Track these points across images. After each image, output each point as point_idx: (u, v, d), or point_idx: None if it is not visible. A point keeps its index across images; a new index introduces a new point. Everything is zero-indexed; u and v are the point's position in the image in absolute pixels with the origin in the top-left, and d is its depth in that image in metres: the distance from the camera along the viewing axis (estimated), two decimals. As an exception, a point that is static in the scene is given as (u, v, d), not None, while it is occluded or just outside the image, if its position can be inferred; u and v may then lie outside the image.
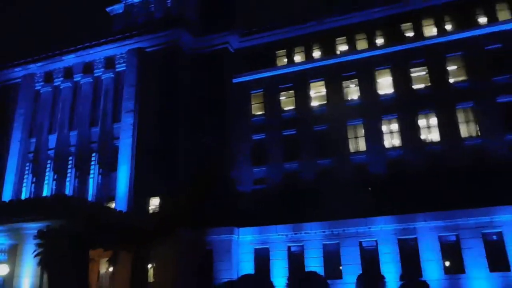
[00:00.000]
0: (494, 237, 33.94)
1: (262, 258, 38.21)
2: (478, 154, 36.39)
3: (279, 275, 36.59)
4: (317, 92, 43.06)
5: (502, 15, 39.86)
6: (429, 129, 38.98)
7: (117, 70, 46.10)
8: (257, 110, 44.45)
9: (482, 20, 40.46)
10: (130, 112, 43.28)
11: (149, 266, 37.72)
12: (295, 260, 37.40)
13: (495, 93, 37.49)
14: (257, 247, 38.76)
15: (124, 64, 45.52)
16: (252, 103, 44.51)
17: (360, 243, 36.37)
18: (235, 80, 45.29)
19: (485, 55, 38.87)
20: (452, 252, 34.18)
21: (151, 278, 38.13)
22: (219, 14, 49.73)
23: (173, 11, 50.06)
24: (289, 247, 38.12)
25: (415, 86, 40.23)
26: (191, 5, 50.44)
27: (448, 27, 41.32)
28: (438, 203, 35.13)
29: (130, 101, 43.57)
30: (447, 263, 34.00)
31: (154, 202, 40.85)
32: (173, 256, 37.95)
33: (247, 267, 37.99)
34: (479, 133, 37.43)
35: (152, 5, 51.44)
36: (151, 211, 40.31)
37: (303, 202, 38.95)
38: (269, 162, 41.87)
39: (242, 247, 39.01)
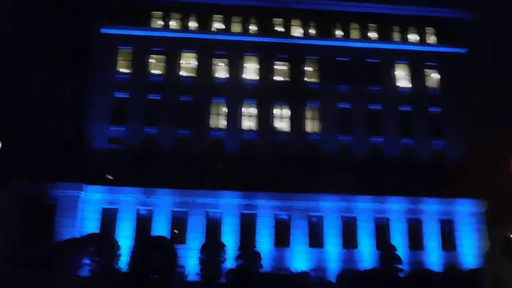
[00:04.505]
0: (314, 220, 40.71)
1: (109, 218, 37.97)
2: (316, 148, 42.63)
3: (125, 236, 37.07)
4: (188, 63, 43.79)
5: (354, 33, 46.71)
6: (282, 119, 43.75)
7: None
8: (123, 67, 42.94)
9: (339, 33, 46.68)
10: (-29, 39, 37.19)
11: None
12: (143, 223, 38.31)
13: (338, 99, 44.17)
14: (105, 206, 38.26)
15: (-32, -21, 38.50)
16: (119, 58, 42.77)
17: (207, 213, 39.31)
18: (103, 30, 42.64)
19: (335, 64, 45.14)
20: (283, 228, 39.76)
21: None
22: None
23: None
24: (138, 210, 38.76)
25: (276, 78, 44.39)
26: None
27: (312, 31, 46.43)
28: (278, 185, 40.28)
29: (-27, 25, 37.34)
30: (278, 237, 39.45)
31: (-9, 147, 36.43)
32: (9, 205, 34.83)
33: (92, 226, 37.31)
34: (319, 130, 43.70)
35: None
36: (-13, 156, 35.88)
37: (158, 167, 39.82)
38: (129, 123, 41.28)
39: (89, 205, 38.00)
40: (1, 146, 36.58)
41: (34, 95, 38.59)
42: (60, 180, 37.04)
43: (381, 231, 39.85)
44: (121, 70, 42.90)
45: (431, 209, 40.70)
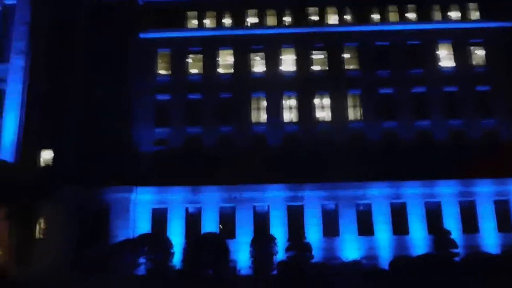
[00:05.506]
0: (362, 208, 40.13)
1: (159, 218, 39.01)
2: (360, 135, 41.98)
3: (176, 234, 38.04)
4: (225, 60, 44.16)
5: (392, 16, 45.48)
6: (323, 109, 43.37)
7: (5, 2, 40.67)
8: (163, 69, 43.89)
9: (376, 17, 45.59)
10: (21, 54, 39.15)
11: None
12: (193, 220, 39.14)
13: (378, 84, 43.25)
14: (155, 206, 39.33)
15: (14, -3, 40.41)
16: (158, 61, 43.75)
17: (254, 207, 39.62)
18: (142, 35, 43.67)
19: (374, 49, 44.17)
20: (331, 218, 39.52)
21: (38, 235, 36.59)
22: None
23: None
24: (187, 208, 39.61)
25: (314, 68, 44.00)
26: None
27: (348, 18, 45.61)
28: (323, 175, 40.00)
29: (21, 41, 39.30)
30: (326, 227, 39.25)
31: (46, 155, 38.36)
32: (65, 213, 36.57)
33: (144, 226, 38.50)
34: (362, 118, 42.98)
35: None
36: (43, 164, 37.79)
37: (204, 165, 40.48)
38: (172, 124, 42.17)
39: (140, 206, 39.18)
40: (55, 154, 38.61)
41: (80, 103, 40.10)
42: (111, 184, 38.45)
43: (433, 215, 38.77)
44: (161, 72, 43.84)
45: (485, 190, 39.19)
